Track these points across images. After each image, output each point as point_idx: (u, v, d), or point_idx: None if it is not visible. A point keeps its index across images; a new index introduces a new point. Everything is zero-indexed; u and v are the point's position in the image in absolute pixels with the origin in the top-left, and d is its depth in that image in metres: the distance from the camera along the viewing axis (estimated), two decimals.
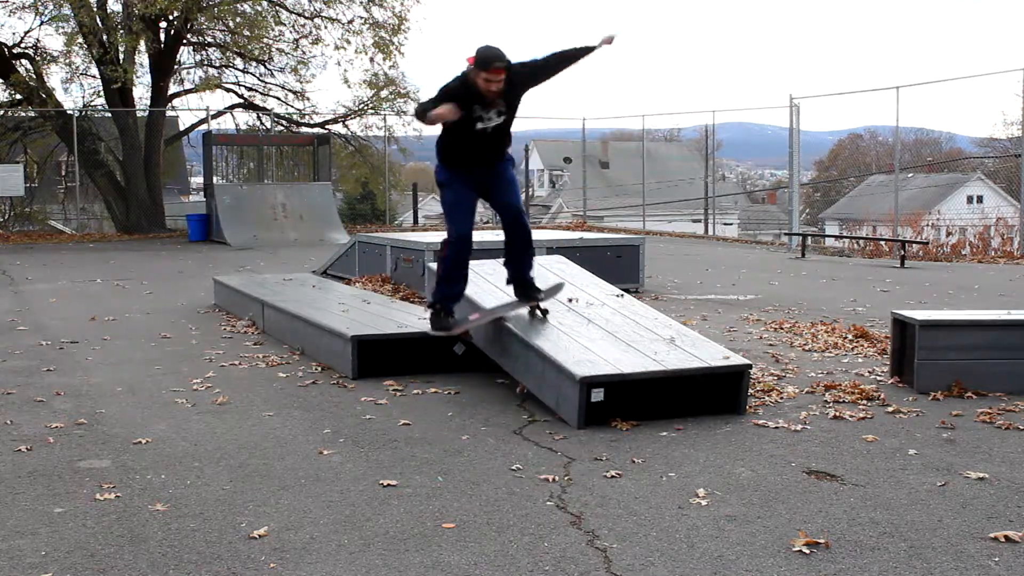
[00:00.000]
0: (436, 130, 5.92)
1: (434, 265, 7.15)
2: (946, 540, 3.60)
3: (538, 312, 6.11)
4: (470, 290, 6.35)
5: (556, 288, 6.38)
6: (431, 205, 57.37)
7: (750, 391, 5.66)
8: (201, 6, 20.79)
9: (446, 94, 5.66)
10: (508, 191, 6.04)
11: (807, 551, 3.50)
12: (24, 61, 22.76)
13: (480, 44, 5.70)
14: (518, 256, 6.12)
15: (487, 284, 6.57)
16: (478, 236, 6.31)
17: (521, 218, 6.07)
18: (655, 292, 11.21)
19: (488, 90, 5.60)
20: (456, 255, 5.96)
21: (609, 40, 5.85)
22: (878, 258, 17.09)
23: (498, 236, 9.47)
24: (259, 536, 3.67)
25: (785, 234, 21.58)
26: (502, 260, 6.27)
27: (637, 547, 3.55)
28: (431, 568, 3.38)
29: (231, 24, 22.27)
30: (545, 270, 6.97)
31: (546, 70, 5.90)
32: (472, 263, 7.14)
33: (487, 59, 5.56)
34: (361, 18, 22.99)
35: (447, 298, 6.08)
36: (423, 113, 5.67)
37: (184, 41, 23.15)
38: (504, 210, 6.06)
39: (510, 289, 6.42)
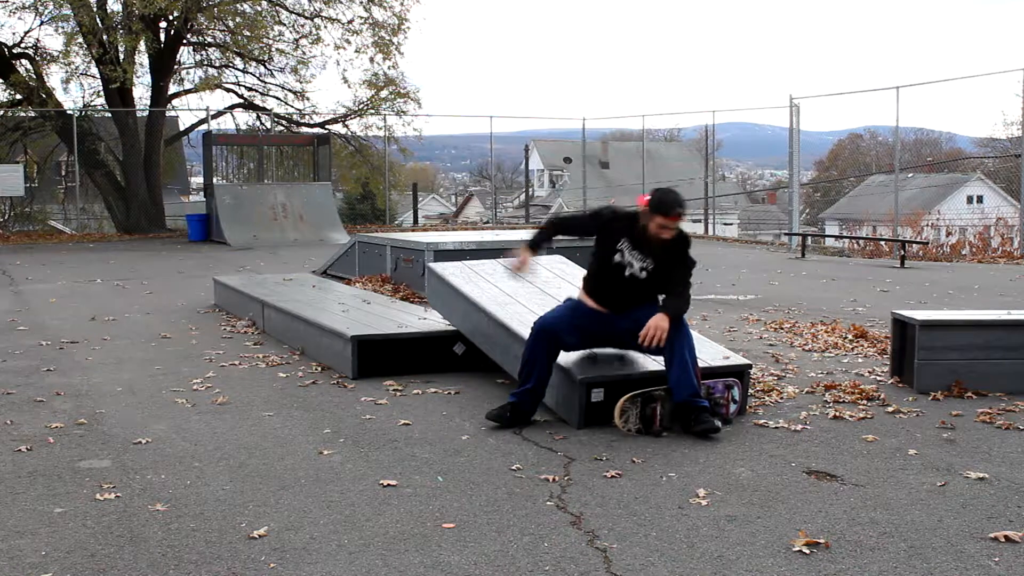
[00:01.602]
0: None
1: (434, 266, 7.16)
2: (946, 540, 3.60)
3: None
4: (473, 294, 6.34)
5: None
6: (431, 205, 57.46)
7: (750, 391, 5.66)
8: (201, 6, 20.80)
9: (594, 215, 5.34)
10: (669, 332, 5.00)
11: (807, 551, 3.49)
12: (24, 61, 22.78)
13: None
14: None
15: (486, 284, 6.56)
16: (477, 236, 6.13)
17: (686, 355, 5.02)
18: None
19: (659, 236, 5.07)
20: (530, 346, 5.16)
21: None
22: (878, 258, 17.10)
23: (498, 236, 9.44)
24: (259, 536, 3.66)
25: (785, 234, 21.58)
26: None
27: (637, 547, 3.55)
28: (431, 568, 3.38)
29: (231, 24, 22.30)
30: (545, 270, 6.97)
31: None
32: (471, 263, 7.15)
33: (668, 203, 5.04)
34: (361, 18, 23.04)
35: (520, 395, 5.19)
36: (545, 227, 5.53)
37: (184, 41, 23.17)
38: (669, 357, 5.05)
39: (509, 288, 6.41)
